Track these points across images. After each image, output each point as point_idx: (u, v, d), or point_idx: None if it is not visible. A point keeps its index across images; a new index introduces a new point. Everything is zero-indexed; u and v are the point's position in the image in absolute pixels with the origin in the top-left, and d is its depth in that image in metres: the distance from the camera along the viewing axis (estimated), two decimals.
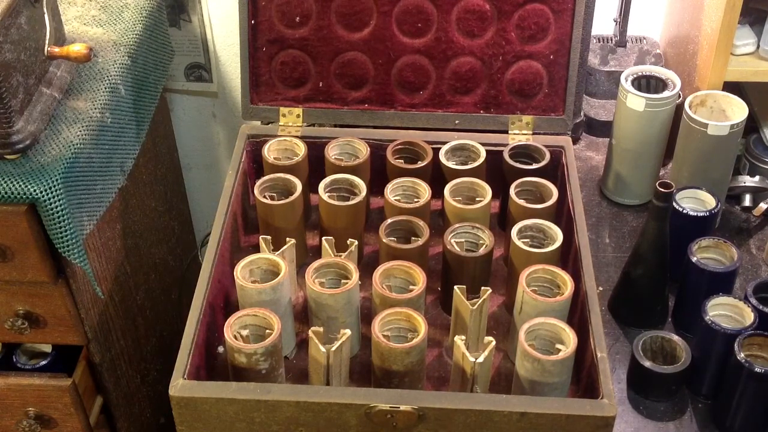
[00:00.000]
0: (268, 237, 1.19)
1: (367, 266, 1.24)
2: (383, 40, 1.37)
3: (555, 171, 1.35)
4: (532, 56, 1.37)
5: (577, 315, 1.15)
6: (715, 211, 1.31)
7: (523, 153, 1.35)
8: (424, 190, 1.27)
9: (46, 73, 1.23)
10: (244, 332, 1.08)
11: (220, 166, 1.95)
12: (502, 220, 1.37)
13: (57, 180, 1.14)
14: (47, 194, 1.13)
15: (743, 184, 1.44)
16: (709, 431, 1.17)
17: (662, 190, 1.18)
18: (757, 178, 1.44)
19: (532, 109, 1.40)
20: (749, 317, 1.16)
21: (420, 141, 1.35)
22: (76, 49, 1.19)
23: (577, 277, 1.16)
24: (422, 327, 1.07)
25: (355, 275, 1.13)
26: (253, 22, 1.37)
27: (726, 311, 1.19)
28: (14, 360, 1.38)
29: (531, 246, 1.18)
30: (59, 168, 1.15)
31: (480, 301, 1.10)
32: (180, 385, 1.02)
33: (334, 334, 1.09)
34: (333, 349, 1.05)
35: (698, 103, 1.38)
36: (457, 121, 1.41)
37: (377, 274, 1.14)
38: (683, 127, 1.37)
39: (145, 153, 1.53)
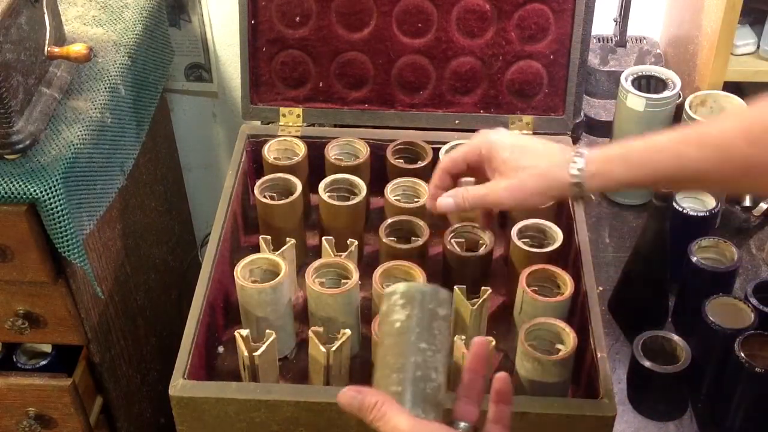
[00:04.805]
0: (268, 237, 1.19)
1: (367, 266, 1.24)
2: (383, 40, 1.37)
3: None
4: (532, 56, 1.37)
5: (577, 315, 1.15)
6: (715, 211, 1.31)
7: None
8: (424, 190, 1.27)
9: (46, 73, 1.23)
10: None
11: (220, 166, 1.95)
12: (502, 220, 1.36)
13: (57, 180, 1.14)
14: (47, 194, 1.13)
15: None
16: (709, 431, 1.17)
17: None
18: None
19: (532, 109, 1.40)
20: (749, 317, 1.16)
21: (420, 141, 1.35)
22: (76, 49, 1.19)
23: (577, 277, 1.16)
24: None
25: (355, 275, 1.13)
26: (253, 22, 1.37)
27: (726, 311, 1.19)
28: (14, 360, 1.38)
29: (531, 246, 1.18)
30: (59, 168, 1.15)
31: (480, 301, 1.10)
32: (180, 385, 1.02)
33: (334, 334, 1.08)
34: (333, 349, 1.05)
35: (698, 103, 1.38)
36: (457, 121, 1.41)
37: (377, 274, 1.14)
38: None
39: (145, 153, 1.53)
